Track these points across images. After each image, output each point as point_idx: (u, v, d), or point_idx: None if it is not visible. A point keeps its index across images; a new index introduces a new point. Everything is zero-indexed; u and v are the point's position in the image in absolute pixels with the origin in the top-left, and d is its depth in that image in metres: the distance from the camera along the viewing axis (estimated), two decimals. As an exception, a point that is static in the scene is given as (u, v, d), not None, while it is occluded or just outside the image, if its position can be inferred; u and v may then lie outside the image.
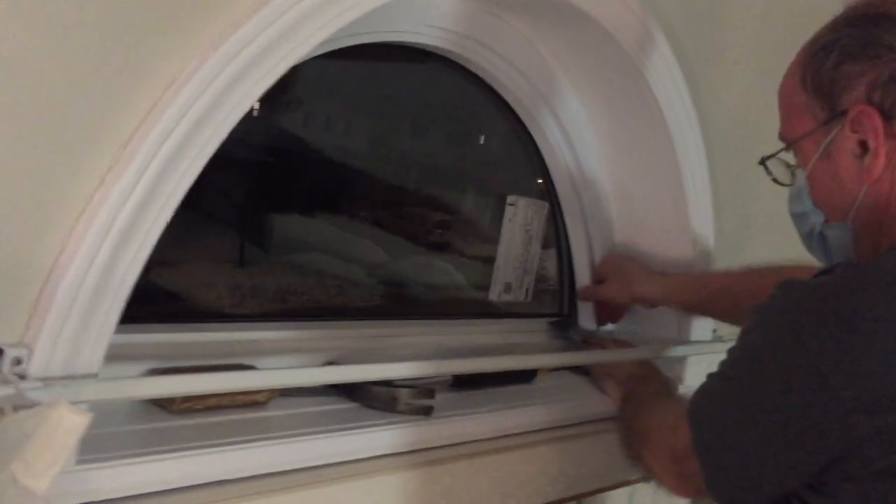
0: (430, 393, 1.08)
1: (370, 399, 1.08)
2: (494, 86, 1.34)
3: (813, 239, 0.93)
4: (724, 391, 0.84)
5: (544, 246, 1.48)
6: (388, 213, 1.42)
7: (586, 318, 1.50)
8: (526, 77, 1.31)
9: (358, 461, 0.99)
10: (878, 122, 0.82)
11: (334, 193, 1.34)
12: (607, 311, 1.46)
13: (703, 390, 0.87)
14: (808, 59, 0.88)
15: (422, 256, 1.45)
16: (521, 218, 1.41)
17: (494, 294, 1.41)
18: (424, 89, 1.37)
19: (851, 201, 0.86)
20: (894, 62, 0.81)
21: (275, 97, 1.21)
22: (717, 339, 1.42)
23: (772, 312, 0.80)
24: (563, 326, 1.49)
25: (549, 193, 1.47)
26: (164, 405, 0.94)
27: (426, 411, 1.07)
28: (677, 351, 1.36)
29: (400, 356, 1.16)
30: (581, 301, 1.46)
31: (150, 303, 1.02)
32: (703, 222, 1.39)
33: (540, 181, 1.47)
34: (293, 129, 1.29)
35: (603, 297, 1.42)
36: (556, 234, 1.50)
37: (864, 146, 0.83)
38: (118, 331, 0.80)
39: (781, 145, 0.95)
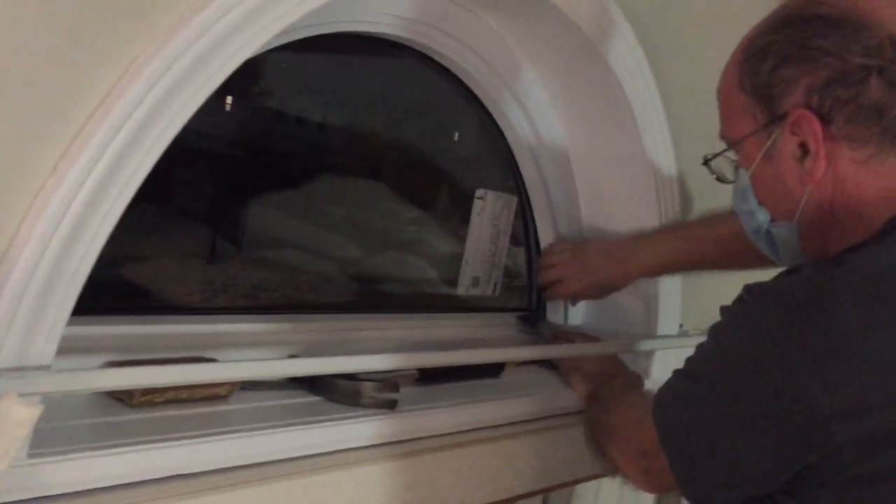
0: (394, 386, 1.07)
1: (334, 393, 1.07)
2: (463, 78, 1.33)
3: (760, 236, 0.92)
4: (694, 393, 0.83)
5: (515, 241, 1.48)
6: (362, 208, 1.41)
7: (555, 312, 1.50)
8: (493, 68, 1.31)
9: (321, 455, 0.97)
10: (816, 126, 0.81)
11: (306, 187, 1.34)
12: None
13: (670, 389, 0.86)
14: (744, 61, 0.87)
15: (395, 252, 1.44)
16: (489, 212, 1.40)
17: (462, 288, 1.41)
18: (396, 82, 1.36)
19: (796, 202, 0.86)
20: (830, 66, 0.80)
21: (245, 90, 1.21)
22: (684, 333, 1.43)
23: (745, 319, 0.79)
24: (532, 321, 1.49)
25: (518, 188, 1.47)
26: (123, 399, 0.92)
27: (390, 405, 1.07)
28: (644, 346, 1.36)
29: (365, 350, 1.16)
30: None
31: (109, 294, 1.01)
32: (669, 212, 1.39)
33: (509, 175, 1.46)
34: (264, 122, 1.28)
35: (562, 294, 1.41)
36: (524, 229, 1.49)
37: (804, 148, 0.83)
38: (75, 322, 0.78)
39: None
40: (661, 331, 1.41)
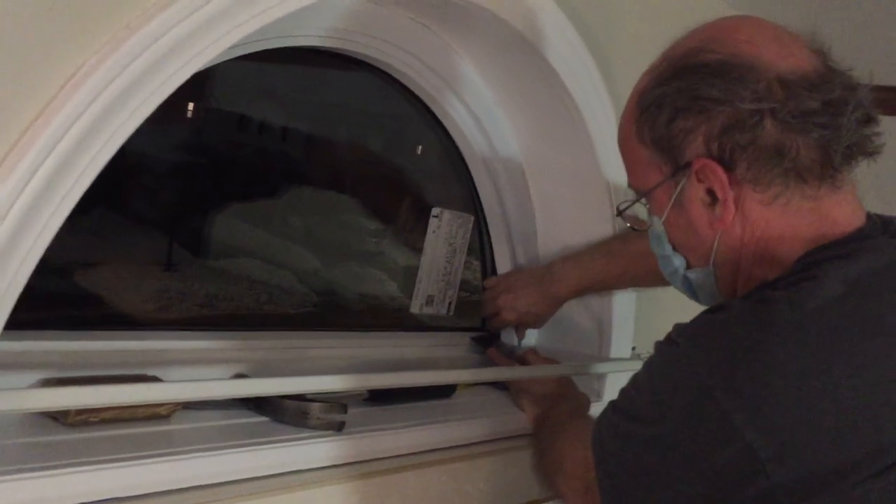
0: (342, 407, 1.05)
1: (280, 413, 1.04)
2: (419, 94, 1.33)
3: (677, 280, 0.93)
4: (632, 432, 0.82)
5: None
6: (323, 220, 1.40)
7: (508, 333, 1.50)
8: (449, 85, 1.30)
9: (265, 478, 0.95)
10: (720, 173, 0.81)
11: (266, 197, 1.32)
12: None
13: (609, 425, 0.86)
14: (640, 115, 0.87)
15: (354, 265, 1.43)
16: (445, 230, 1.39)
17: (416, 307, 1.39)
18: (357, 97, 1.36)
19: (709, 247, 0.86)
20: (723, 114, 0.80)
21: (203, 99, 1.19)
22: (636, 356, 1.43)
23: (678, 363, 0.79)
24: (486, 341, 1.48)
25: (475, 206, 1.46)
26: (58, 417, 0.89)
27: (338, 426, 1.04)
28: (597, 368, 1.36)
29: (314, 369, 1.14)
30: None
31: (47, 307, 0.98)
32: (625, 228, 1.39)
33: (467, 193, 1.46)
34: (225, 131, 1.26)
35: (503, 325, 1.44)
36: (480, 247, 1.49)
37: (712, 194, 0.83)
38: (8, 337, 0.76)
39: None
40: (613, 353, 1.41)
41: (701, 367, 0.76)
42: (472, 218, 1.43)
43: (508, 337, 1.50)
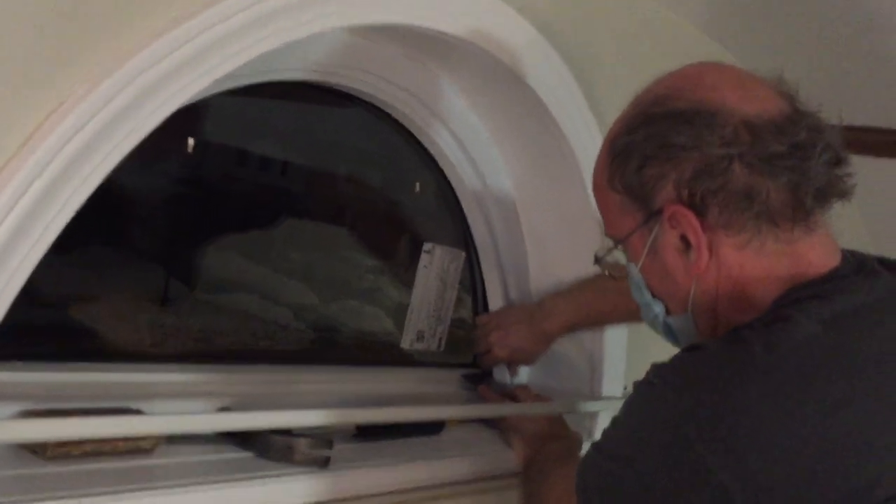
0: (328, 443, 1.04)
1: (265, 448, 1.03)
2: (413, 130, 1.33)
3: (658, 326, 0.93)
4: (613, 473, 0.81)
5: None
6: (316, 254, 1.40)
7: (500, 369, 1.48)
8: (443, 122, 1.31)
9: (248, 514, 0.94)
10: (693, 219, 0.81)
11: (258, 231, 1.32)
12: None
13: (592, 466, 0.85)
14: (610, 163, 0.87)
15: (350, 301, 1.42)
16: (436, 266, 1.39)
17: (406, 342, 1.38)
18: (351, 132, 1.36)
19: (686, 293, 0.86)
20: (692, 160, 0.80)
21: (197, 133, 1.19)
22: (628, 395, 1.41)
23: (655, 403, 0.79)
24: (477, 379, 1.47)
25: (467, 243, 1.46)
26: (37, 450, 0.87)
27: (323, 462, 1.03)
28: (588, 406, 1.35)
29: (301, 403, 1.13)
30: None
31: (28, 338, 0.97)
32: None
33: (459, 229, 1.45)
34: (218, 166, 1.27)
35: (495, 362, 1.43)
36: (472, 283, 1.48)
37: (686, 240, 0.83)
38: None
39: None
40: (605, 391, 1.40)
41: (675, 407, 0.75)
42: (464, 254, 1.43)
43: (501, 374, 1.48)
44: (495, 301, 1.47)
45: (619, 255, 0.93)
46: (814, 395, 0.73)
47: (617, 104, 1.29)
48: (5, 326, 0.76)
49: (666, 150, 0.81)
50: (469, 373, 1.47)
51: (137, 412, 0.96)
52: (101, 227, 1.10)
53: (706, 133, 0.79)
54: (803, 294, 0.80)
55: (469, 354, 1.49)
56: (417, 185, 1.46)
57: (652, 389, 0.79)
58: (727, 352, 0.77)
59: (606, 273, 0.97)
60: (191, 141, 1.20)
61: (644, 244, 0.86)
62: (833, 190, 0.82)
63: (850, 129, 2.00)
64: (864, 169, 1.95)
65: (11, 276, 0.73)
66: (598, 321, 1.36)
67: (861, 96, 1.62)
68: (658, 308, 0.90)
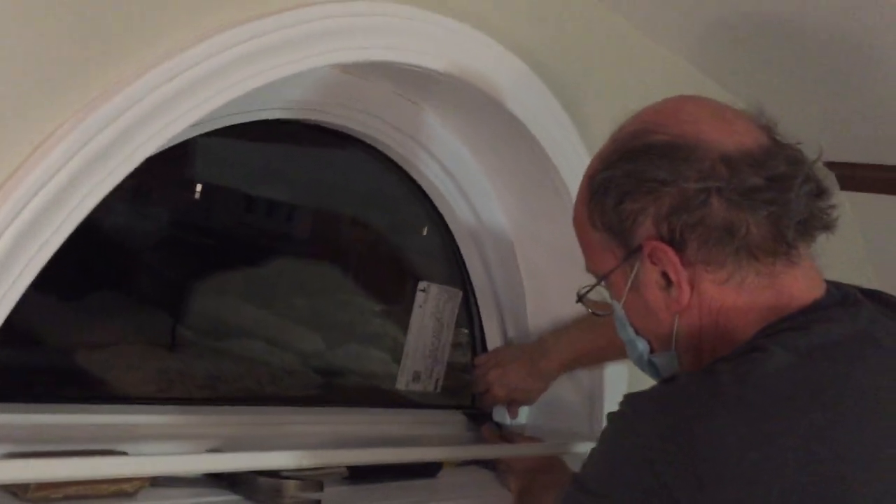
0: (318, 485, 1.02)
1: (254, 491, 1.01)
2: (407, 168, 1.33)
3: (643, 364, 0.91)
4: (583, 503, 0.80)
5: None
6: (326, 300, 1.39)
7: (499, 410, 1.46)
8: (435, 158, 1.30)
9: (234, 559, 0.92)
10: (672, 255, 0.80)
11: (272, 278, 1.32)
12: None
13: (568, 497, 0.82)
14: (589, 199, 0.86)
15: (357, 345, 1.41)
16: (431, 305, 1.38)
17: (402, 383, 1.37)
18: (343, 171, 1.37)
19: (669, 330, 0.84)
20: (670, 195, 0.79)
21: (189, 177, 1.20)
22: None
23: (625, 433, 0.77)
24: (477, 419, 1.44)
25: (464, 283, 1.45)
26: (17, 493, 0.86)
27: (314, 505, 1.01)
28: (583, 447, 1.31)
29: (293, 445, 1.11)
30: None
31: (12, 380, 0.96)
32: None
33: (455, 270, 1.44)
34: (206, 208, 1.27)
35: (494, 402, 1.40)
36: (469, 323, 1.47)
37: (667, 277, 0.81)
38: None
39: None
40: (605, 431, 1.37)
41: (645, 438, 0.74)
42: (461, 292, 1.42)
43: (501, 415, 1.46)
44: (493, 340, 1.45)
45: (603, 292, 0.91)
46: (784, 427, 0.71)
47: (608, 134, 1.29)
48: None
49: (644, 185, 0.80)
50: (469, 413, 1.45)
51: (122, 454, 0.95)
52: (103, 274, 1.11)
53: (684, 167, 0.78)
54: (783, 326, 0.78)
55: (467, 396, 1.47)
56: (412, 223, 1.46)
57: (623, 420, 0.77)
58: (697, 383, 0.75)
59: (590, 311, 0.95)
60: (184, 184, 1.20)
61: (626, 281, 0.85)
62: (815, 222, 0.81)
63: (853, 167, 1.99)
64: (867, 206, 1.94)
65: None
66: (597, 358, 1.33)
67: (856, 132, 1.62)
68: (642, 346, 0.88)
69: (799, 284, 0.81)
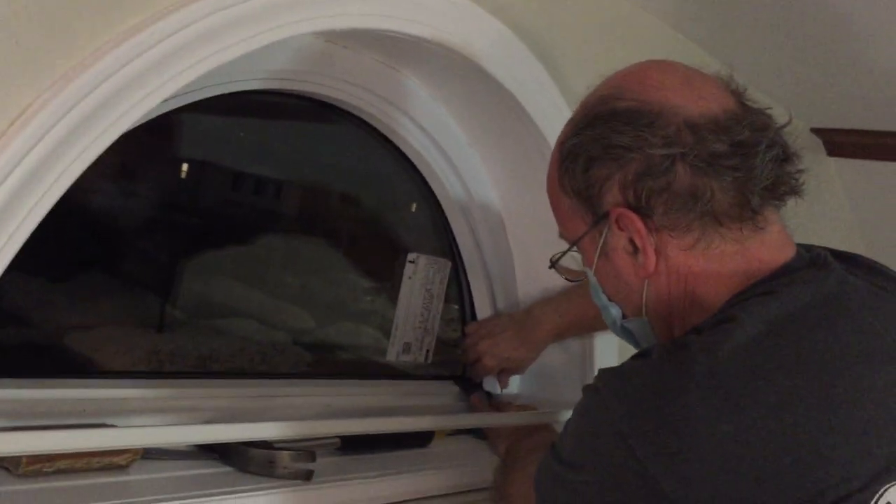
0: (310, 456, 1.02)
1: (246, 462, 1.01)
2: (396, 141, 1.32)
3: (617, 330, 0.92)
4: (562, 475, 0.80)
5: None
6: (315, 277, 1.39)
7: (490, 380, 1.47)
8: (426, 132, 1.30)
9: (227, 530, 0.92)
10: (637, 222, 0.80)
11: (260, 259, 1.31)
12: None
13: (546, 468, 0.83)
14: (559, 165, 0.86)
15: (340, 325, 1.41)
16: (421, 276, 1.38)
17: (392, 354, 1.37)
18: (330, 143, 1.36)
19: (639, 296, 0.85)
20: (635, 161, 0.79)
21: (194, 156, 1.19)
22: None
23: (598, 409, 0.77)
24: (468, 389, 1.45)
25: (452, 253, 1.45)
26: (9, 468, 0.86)
27: (306, 476, 1.01)
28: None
29: (286, 417, 1.11)
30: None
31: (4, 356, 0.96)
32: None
33: (444, 240, 1.44)
34: (194, 183, 1.26)
35: (485, 373, 1.40)
36: (459, 294, 1.47)
37: (634, 243, 0.82)
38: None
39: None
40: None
41: (617, 413, 0.73)
42: (450, 263, 1.42)
43: (491, 384, 1.46)
44: (483, 311, 1.46)
45: (577, 258, 0.92)
46: (753, 397, 0.71)
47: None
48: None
49: (610, 151, 0.80)
50: (460, 383, 1.45)
51: (112, 427, 0.95)
52: (92, 254, 1.11)
53: (648, 133, 0.78)
54: (753, 292, 0.78)
55: (458, 366, 1.48)
56: (400, 195, 1.45)
57: (597, 395, 0.77)
58: (669, 358, 0.75)
59: (564, 277, 0.96)
60: (168, 161, 1.19)
61: (595, 247, 0.85)
62: (783, 187, 0.81)
63: (840, 132, 1.98)
64: (854, 171, 1.94)
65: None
66: (587, 326, 1.34)
67: (842, 98, 1.62)
68: (615, 311, 0.89)
69: (767, 248, 0.81)
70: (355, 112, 1.26)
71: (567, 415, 1.30)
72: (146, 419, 1.02)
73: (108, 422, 0.96)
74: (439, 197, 1.40)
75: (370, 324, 1.44)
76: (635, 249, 0.82)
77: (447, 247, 1.44)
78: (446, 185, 1.37)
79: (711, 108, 0.79)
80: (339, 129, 1.30)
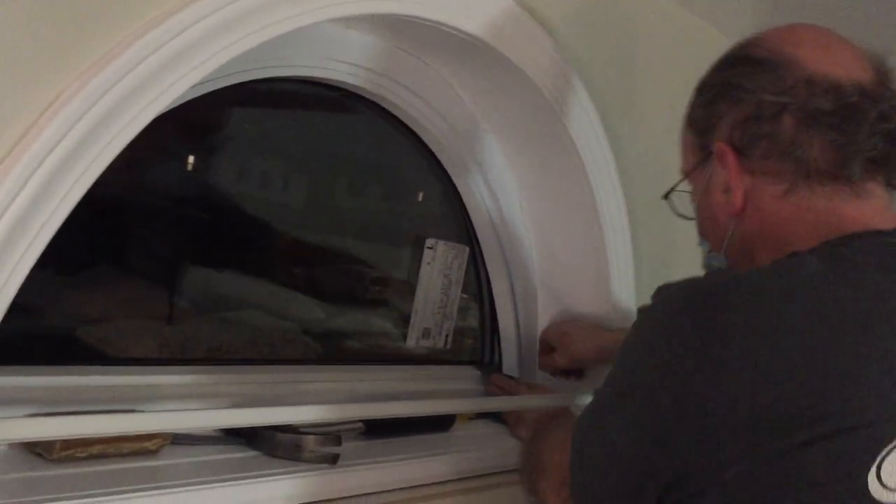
0: (336, 440, 1.03)
1: (273, 447, 1.02)
2: (415, 129, 1.32)
3: (704, 265, 0.94)
4: (603, 397, 0.83)
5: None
6: (325, 270, 1.39)
7: (511, 365, 1.48)
8: (446, 120, 1.30)
9: (257, 512, 0.93)
10: (731, 159, 0.85)
11: (270, 249, 1.32)
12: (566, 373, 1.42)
13: (588, 408, 0.86)
14: (692, 99, 0.92)
15: (359, 313, 1.41)
16: (440, 262, 1.38)
17: (412, 340, 1.38)
18: (355, 137, 1.36)
19: (724, 234, 0.89)
20: (748, 102, 0.84)
21: (204, 147, 1.19)
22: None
23: (647, 316, 0.80)
24: (488, 373, 1.46)
25: (470, 239, 1.45)
26: (42, 453, 0.87)
27: (332, 459, 1.02)
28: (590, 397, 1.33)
29: (308, 401, 1.12)
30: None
31: (33, 343, 0.97)
32: (622, 267, 1.38)
33: (461, 227, 1.45)
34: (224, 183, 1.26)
35: (552, 367, 1.40)
36: (477, 280, 1.47)
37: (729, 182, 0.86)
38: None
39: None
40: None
41: (663, 319, 0.77)
42: (467, 249, 1.42)
43: (510, 369, 1.47)
44: (501, 296, 1.46)
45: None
46: (807, 326, 0.72)
47: (620, 101, 1.30)
48: (8, 332, 0.76)
49: (731, 90, 0.86)
50: (483, 366, 1.46)
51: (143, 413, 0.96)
52: (99, 244, 1.11)
53: (766, 80, 0.83)
54: (834, 243, 0.79)
55: (478, 352, 1.49)
56: (419, 182, 1.46)
57: (649, 308, 0.80)
58: (728, 274, 0.80)
59: (674, 212, 1.00)
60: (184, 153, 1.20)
61: (702, 182, 0.90)
62: (891, 165, 0.82)
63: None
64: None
65: (10, 275, 0.72)
66: None
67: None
68: (705, 247, 0.93)
69: (861, 214, 0.82)
70: (373, 98, 1.26)
71: (589, 398, 1.32)
72: (174, 405, 1.03)
73: (136, 408, 0.98)
74: (457, 184, 1.40)
75: (390, 311, 1.44)
76: (728, 189, 0.86)
77: (465, 233, 1.44)
78: (464, 171, 1.37)
79: (838, 74, 0.82)
80: (357, 118, 1.30)
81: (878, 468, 0.68)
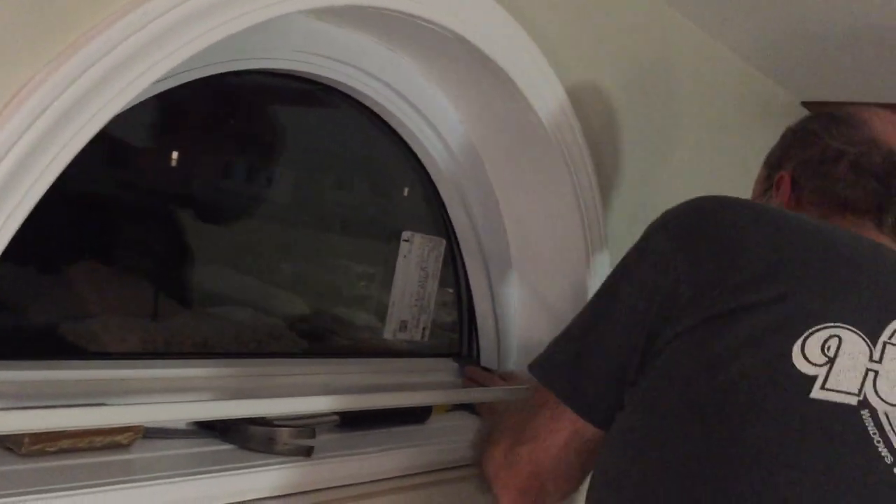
0: (310, 432, 1.03)
1: (247, 440, 1.02)
2: (390, 122, 1.32)
3: None
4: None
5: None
6: (302, 263, 1.39)
7: (489, 358, 1.48)
8: (420, 113, 1.30)
9: (230, 505, 0.93)
10: (787, 186, 1.02)
11: (254, 243, 1.31)
12: None
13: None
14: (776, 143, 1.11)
15: (336, 307, 1.41)
16: (416, 254, 1.38)
17: (389, 332, 1.38)
18: (331, 130, 1.36)
19: None
20: (819, 147, 1.01)
21: (184, 140, 1.19)
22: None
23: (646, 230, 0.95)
24: (465, 366, 1.46)
25: (447, 232, 1.45)
26: (12, 447, 0.87)
27: (306, 452, 1.02)
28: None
29: (283, 394, 1.12)
30: None
31: (14, 339, 0.96)
32: (600, 260, 1.38)
33: (438, 219, 1.45)
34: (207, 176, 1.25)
35: None
36: (454, 273, 1.48)
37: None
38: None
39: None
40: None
41: (658, 219, 0.93)
42: (444, 241, 1.42)
43: (488, 362, 1.48)
44: (479, 289, 1.47)
45: None
46: (775, 229, 0.85)
47: (588, 84, 1.30)
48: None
49: (806, 136, 1.04)
50: (458, 358, 1.46)
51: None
52: (78, 238, 1.11)
53: (839, 132, 0.99)
54: None
55: (455, 344, 1.49)
56: (394, 176, 1.46)
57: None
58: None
59: None
60: (157, 144, 1.19)
61: None
62: None
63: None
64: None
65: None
66: None
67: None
68: None
69: (876, 237, 0.94)
70: (346, 90, 1.25)
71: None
72: (146, 399, 1.02)
73: (109, 402, 0.97)
74: (433, 176, 1.40)
75: (366, 305, 1.45)
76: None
77: (442, 226, 1.44)
78: (440, 164, 1.37)
79: (894, 142, 0.97)
80: (331, 111, 1.30)
81: (804, 343, 0.78)
